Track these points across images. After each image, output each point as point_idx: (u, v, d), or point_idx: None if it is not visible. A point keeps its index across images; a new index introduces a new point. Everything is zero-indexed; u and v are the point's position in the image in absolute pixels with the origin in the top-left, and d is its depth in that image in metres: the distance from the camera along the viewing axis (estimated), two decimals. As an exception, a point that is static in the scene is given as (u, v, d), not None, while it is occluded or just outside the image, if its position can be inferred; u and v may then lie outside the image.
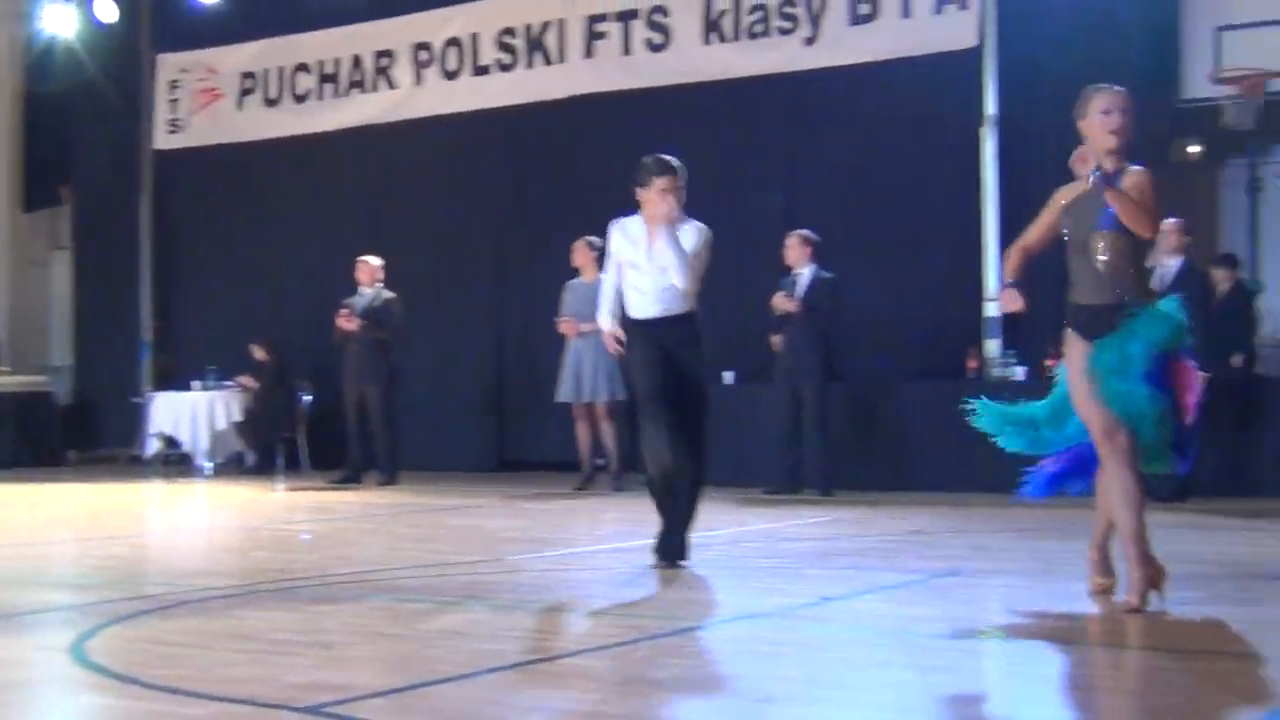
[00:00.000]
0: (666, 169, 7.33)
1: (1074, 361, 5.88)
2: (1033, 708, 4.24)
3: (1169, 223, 10.84)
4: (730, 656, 5.06)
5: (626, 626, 5.57)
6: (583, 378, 12.73)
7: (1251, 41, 12.82)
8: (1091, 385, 5.74)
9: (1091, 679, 4.71)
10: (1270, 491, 11.19)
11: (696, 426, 7.37)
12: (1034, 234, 6.15)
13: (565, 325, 12.82)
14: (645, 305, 7.43)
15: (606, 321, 7.57)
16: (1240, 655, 4.88)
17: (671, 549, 7.23)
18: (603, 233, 13.68)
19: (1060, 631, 5.46)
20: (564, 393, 12.89)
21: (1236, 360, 11.56)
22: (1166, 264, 11.09)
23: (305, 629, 5.43)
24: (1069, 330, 5.94)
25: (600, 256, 12.73)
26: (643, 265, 7.40)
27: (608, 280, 7.60)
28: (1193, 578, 6.59)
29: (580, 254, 12.88)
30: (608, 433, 12.81)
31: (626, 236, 7.50)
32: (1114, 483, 5.73)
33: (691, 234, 7.38)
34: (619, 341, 7.49)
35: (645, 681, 4.50)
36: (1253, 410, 11.49)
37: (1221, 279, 12.27)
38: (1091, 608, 5.86)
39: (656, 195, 7.31)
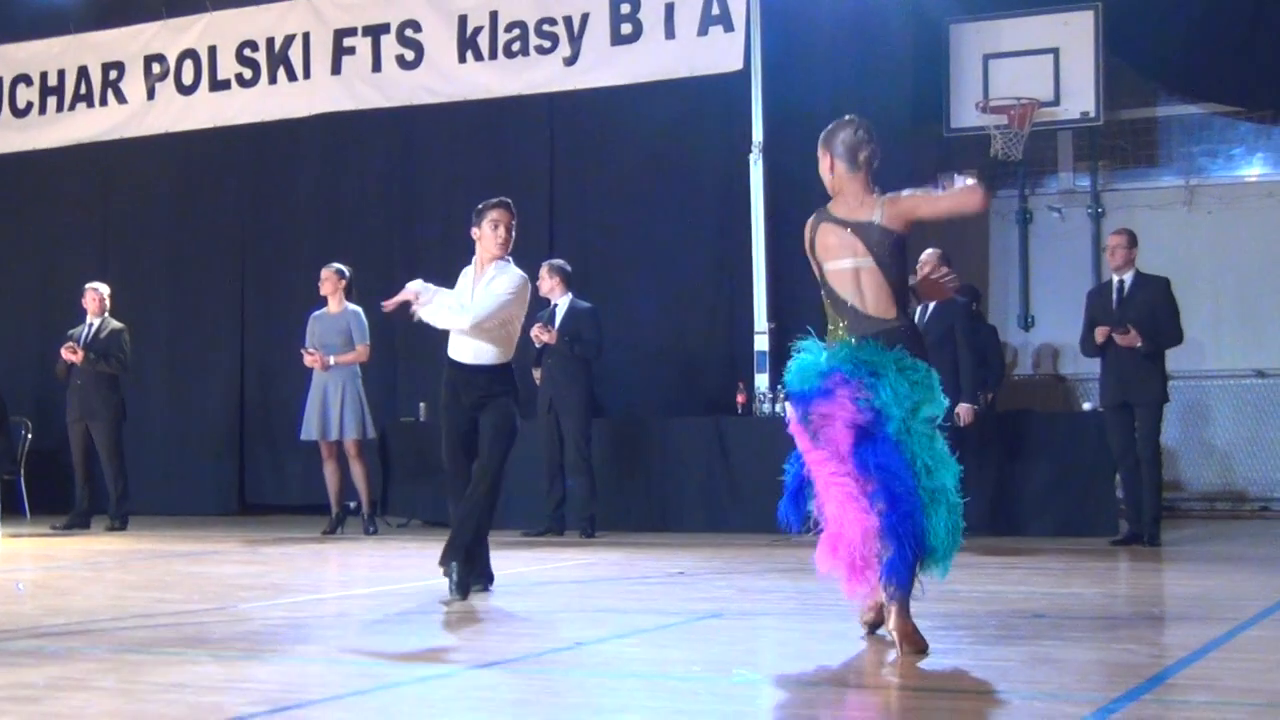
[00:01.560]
0: (500, 202, 8.18)
1: None
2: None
3: (927, 254, 11.17)
4: (470, 706, 5.01)
5: (364, 676, 5.50)
6: (329, 414, 12.53)
7: (1019, 70, 13.31)
8: None
9: (849, 721, 4.78)
10: (1033, 530, 11.53)
11: (485, 481, 7.87)
12: None
13: (311, 358, 12.60)
14: (460, 349, 8.06)
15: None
16: (1001, 694, 5.01)
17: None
18: (348, 259, 13.63)
19: (821, 673, 5.54)
20: (309, 430, 12.68)
21: (984, 398, 12.02)
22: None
23: (8, 684, 5.23)
24: None
25: (349, 285, 12.64)
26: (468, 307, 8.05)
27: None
28: (958, 617, 6.75)
29: (329, 283, 12.69)
30: (359, 473, 12.64)
31: (465, 279, 8.23)
32: None
33: (503, 280, 8.07)
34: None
35: (380, 733, 4.44)
36: (1014, 446, 11.85)
37: None
38: (856, 648, 5.96)
39: (488, 227, 8.11)
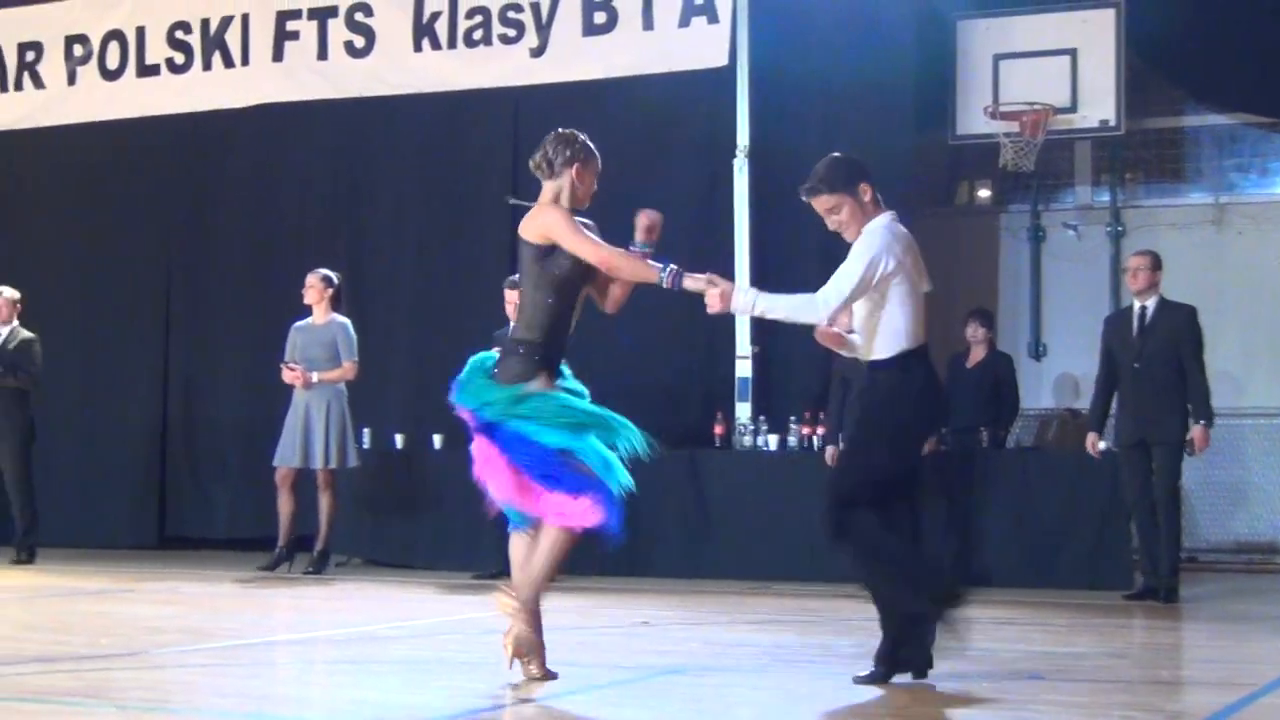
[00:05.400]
0: None
1: None
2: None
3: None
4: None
5: (281, 732, 5.54)
6: (313, 438, 12.41)
7: (1033, 73, 13.38)
8: None
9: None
10: (1039, 581, 11.54)
11: None
12: None
13: (291, 374, 12.48)
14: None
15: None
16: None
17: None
18: (285, 267, 13.63)
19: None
20: (287, 456, 12.50)
21: (983, 437, 12.08)
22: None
23: (-113, 735, 5.27)
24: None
25: (338, 293, 12.62)
26: None
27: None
28: (944, 677, 6.80)
29: (314, 290, 12.60)
30: (327, 506, 12.51)
31: None
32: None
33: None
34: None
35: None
36: (1021, 489, 11.91)
37: (974, 339, 12.71)
38: (827, 707, 6.01)
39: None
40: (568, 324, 6.85)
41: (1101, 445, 11.09)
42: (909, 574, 6.61)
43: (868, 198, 6.70)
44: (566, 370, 6.90)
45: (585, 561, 12.37)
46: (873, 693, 6.40)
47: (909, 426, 6.73)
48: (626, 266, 6.88)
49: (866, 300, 6.67)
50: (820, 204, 6.76)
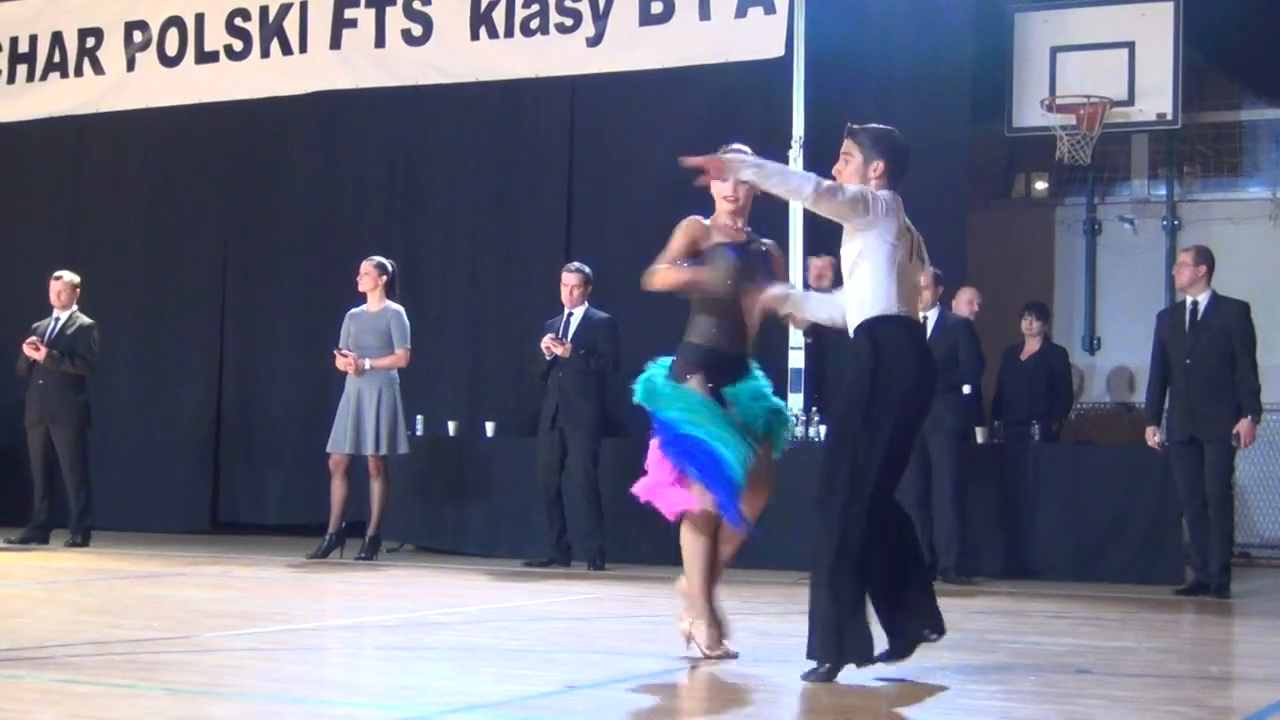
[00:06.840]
0: None
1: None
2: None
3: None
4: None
5: (331, 718, 5.56)
6: (364, 424, 12.46)
7: (1089, 65, 13.33)
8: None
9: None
10: (1089, 575, 11.52)
11: None
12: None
13: (344, 360, 12.50)
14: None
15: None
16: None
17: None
18: (340, 252, 13.71)
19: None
20: (340, 442, 12.53)
21: (1035, 430, 12.06)
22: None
23: (-58, 714, 5.32)
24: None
25: (391, 281, 12.67)
26: None
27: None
28: (992, 670, 6.80)
29: (368, 278, 12.65)
30: (378, 492, 12.55)
31: None
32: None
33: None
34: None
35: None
36: (1072, 482, 11.87)
37: (1030, 331, 12.68)
38: (874, 703, 6.01)
39: None
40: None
41: (1159, 437, 11.04)
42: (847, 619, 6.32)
43: (875, 174, 6.68)
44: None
45: (631, 550, 12.44)
46: (922, 682, 6.40)
47: (879, 403, 6.34)
48: None
49: (850, 261, 6.65)
50: (845, 146, 6.78)
